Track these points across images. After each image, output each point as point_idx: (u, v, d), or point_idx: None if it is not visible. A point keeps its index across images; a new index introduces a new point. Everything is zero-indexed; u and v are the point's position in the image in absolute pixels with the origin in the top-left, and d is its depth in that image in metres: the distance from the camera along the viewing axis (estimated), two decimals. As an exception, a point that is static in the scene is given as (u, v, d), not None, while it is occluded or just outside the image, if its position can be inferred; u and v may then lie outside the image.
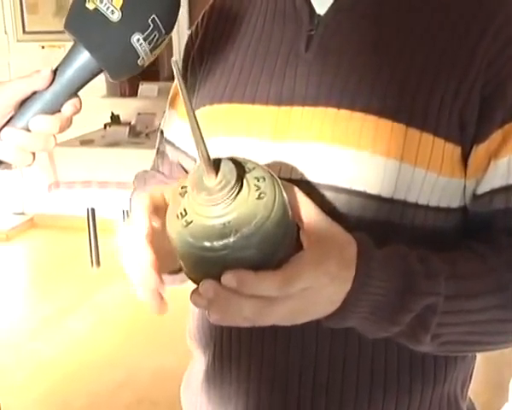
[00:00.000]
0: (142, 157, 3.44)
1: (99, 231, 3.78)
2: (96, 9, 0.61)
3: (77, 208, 4.02)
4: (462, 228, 0.70)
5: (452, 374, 0.73)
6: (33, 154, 0.64)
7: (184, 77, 0.83)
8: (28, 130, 0.63)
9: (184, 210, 0.54)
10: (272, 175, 0.55)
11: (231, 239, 0.51)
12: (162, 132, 0.89)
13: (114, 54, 0.63)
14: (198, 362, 0.83)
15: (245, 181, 0.53)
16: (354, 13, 0.70)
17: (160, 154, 0.89)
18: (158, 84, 4.37)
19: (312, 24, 0.72)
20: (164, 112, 0.93)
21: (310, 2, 0.72)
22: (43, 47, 4.44)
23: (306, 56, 0.71)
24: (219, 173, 0.53)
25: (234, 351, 0.75)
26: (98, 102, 4.23)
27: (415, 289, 0.59)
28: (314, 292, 0.54)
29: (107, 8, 0.61)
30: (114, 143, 3.82)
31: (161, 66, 4.53)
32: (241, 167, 0.54)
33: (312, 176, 0.68)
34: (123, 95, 4.42)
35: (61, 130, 0.64)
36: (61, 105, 0.64)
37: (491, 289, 0.63)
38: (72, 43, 0.64)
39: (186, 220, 0.53)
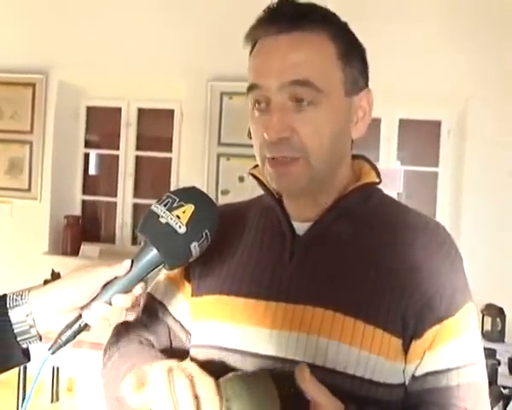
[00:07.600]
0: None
1: (27, 388, 3.69)
2: (167, 223, 0.85)
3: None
4: (402, 401, 0.93)
5: None
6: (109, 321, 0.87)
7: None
8: (110, 304, 0.86)
9: None
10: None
11: None
12: (163, 304, 1.07)
13: (176, 255, 0.87)
14: None
15: None
16: (325, 237, 0.97)
17: (157, 321, 1.06)
18: (99, 246, 4.49)
19: (294, 241, 0.98)
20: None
21: (292, 226, 1.00)
22: (-9, 202, 4.56)
23: (291, 264, 0.97)
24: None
25: None
26: (39, 258, 4.32)
27: None
28: None
29: (176, 224, 0.84)
30: (54, 300, 3.85)
31: (104, 228, 4.69)
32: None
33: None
34: (64, 253, 4.48)
35: (132, 305, 0.87)
36: (133, 287, 0.87)
37: None
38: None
39: None
